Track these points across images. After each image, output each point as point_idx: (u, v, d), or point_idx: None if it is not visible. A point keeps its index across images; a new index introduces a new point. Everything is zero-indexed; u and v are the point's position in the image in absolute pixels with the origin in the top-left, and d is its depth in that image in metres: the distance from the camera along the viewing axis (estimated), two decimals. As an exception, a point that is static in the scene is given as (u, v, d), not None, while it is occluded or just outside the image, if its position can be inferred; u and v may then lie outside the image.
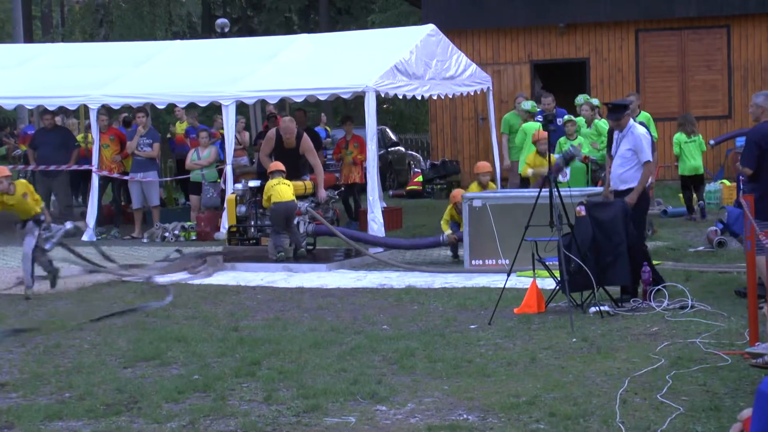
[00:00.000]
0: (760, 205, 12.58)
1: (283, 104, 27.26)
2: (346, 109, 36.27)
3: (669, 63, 31.21)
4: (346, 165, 24.20)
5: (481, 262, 17.01)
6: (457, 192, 18.81)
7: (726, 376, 10.02)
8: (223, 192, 22.62)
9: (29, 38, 49.63)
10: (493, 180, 20.22)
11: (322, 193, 18.89)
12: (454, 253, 18.19)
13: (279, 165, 18.47)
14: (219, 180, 23.12)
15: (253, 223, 18.55)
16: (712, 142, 25.53)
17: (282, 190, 18.09)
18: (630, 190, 14.28)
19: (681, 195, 24.20)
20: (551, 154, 14.42)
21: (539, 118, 20.95)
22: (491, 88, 27.14)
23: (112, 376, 10.77)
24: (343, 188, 23.59)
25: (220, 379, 10.43)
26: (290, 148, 19.16)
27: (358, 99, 22.70)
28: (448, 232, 18.20)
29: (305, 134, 19.75)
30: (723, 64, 30.89)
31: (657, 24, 31.30)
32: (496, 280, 14.82)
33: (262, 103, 25.14)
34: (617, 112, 14.43)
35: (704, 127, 29.60)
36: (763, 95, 13.55)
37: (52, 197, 24.70)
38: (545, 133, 18.20)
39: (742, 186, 14.87)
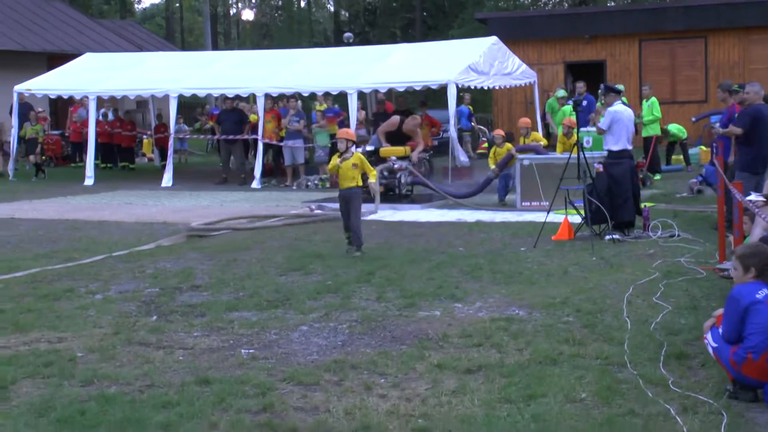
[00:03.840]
0: (746, 160, 12.41)
1: (390, 93, 27.17)
2: (433, 97, 35.99)
3: (663, 63, 30.74)
4: (422, 136, 24.10)
5: (528, 203, 16.90)
6: (498, 131, 18.93)
7: (702, 285, 9.90)
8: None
9: (215, 47, 49.94)
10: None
11: (415, 157, 18.76)
12: (500, 199, 18.03)
13: (349, 133, 13.17)
14: (328, 144, 23.09)
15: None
16: (693, 119, 25.10)
17: (346, 171, 12.67)
18: (609, 151, 15.14)
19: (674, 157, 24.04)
20: (578, 132, 14.30)
21: (570, 102, 20.74)
22: (536, 81, 26.95)
23: (271, 281, 10.85)
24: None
25: (346, 284, 10.47)
26: (406, 133, 19.20)
27: (443, 89, 22.56)
28: (493, 167, 18.15)
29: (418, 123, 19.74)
30: (701, 64, 30.37)
31: (655, 35, 30.79)
32: (539, 217, 14.70)
33: (375, 92, 25.11)
34: (606, 91, 15.28)
35: (688, 109, 29.23)
36: (757, 85, 13.27)
37: (231, 158, 24.92)
38: (571, 119, 18.34)
39: (715, 150, 14.60)
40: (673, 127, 23.43)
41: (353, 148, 12.94)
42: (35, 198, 20.85)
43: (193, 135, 34.86)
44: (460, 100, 26.60)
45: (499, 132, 18.80)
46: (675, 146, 23.80)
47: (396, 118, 19.20)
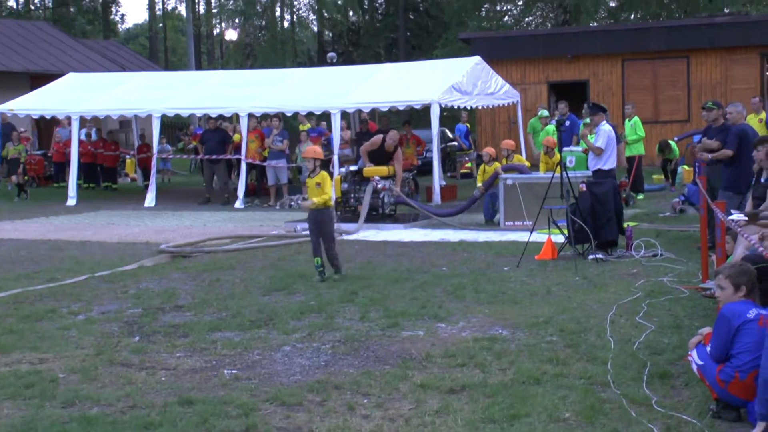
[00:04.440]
0: (730, 180, 12.45)
1: (373, 112, 27.23)
2: (417, 116, 36.10)
3: (645, 83, 30.88)
4: (408, 155, 24.12)
5: (512, 223, 16.93)
6: (488, 149, 18.87)
7: (685, 304, 9.92)
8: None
9: (199, 67, 49.95)
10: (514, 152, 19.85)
11: (398, 180, 18.69)
12: (486, 218, 18.07)
13: (317, 152, 12.40)
14: None
15: (352, 196, 18.51)
16: (676, 138, 25.23)
17: (312, 192, 12.18)
18: (598, 170, 15.19)
19: (655, 176, 24.11)
20: (561, 152, 14.38)
21: (554, 122, 20.85)
22: (519, 101, 27.05)
23: (255, 301, 10.84)
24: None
25: (329, 304, 10.46)
26: (388, 151, 19.10)
27: (426, 108, 22.65)
28: (479, 185, 18.20)
29: (399, 148, 19.56)
30: (684, 83, 30.52)
31: (637, 55, 30.95)
32: (523, 236, 14.73)
33: (359, 111, 25.15)
34: (594, 110, 15.25)
35: (670, 128, 29.43)
36: (739, 105, 13.38)
37: (215, 177, 24.89)
38: (551, 139, 18.54)
39: (698, 170, 14.70)
40: (672, 143, 23.57)
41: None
42: (17, 218, 20.78)
43: (177, 155, 34.84)
44: (457, 119, 26.65)
45: (489, 150, 18.78)
46: (670, 163, 23.83)
47: (379, 137, 19.22)
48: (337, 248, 12.52)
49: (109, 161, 29.14)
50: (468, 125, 30.35)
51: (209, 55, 70.71)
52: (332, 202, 12.13)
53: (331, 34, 65.39)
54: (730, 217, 9.05)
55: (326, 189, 12.16)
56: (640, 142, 21.45)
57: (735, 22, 30.80)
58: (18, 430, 6.47)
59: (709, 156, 13.15)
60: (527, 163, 18.98)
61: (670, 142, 23.63)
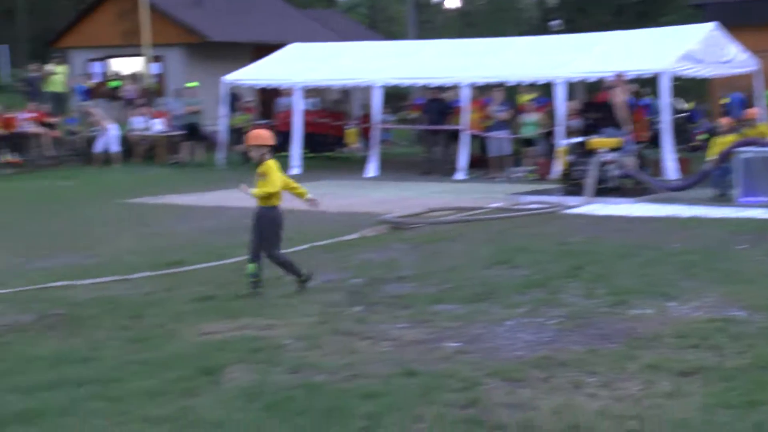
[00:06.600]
0: None
1: (601, 83, 26.72)
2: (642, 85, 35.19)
3: None
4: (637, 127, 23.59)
5: (749, 199, 16.31)
6: (724, 119, 18.22)
7: None
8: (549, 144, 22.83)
9: (419, 36, 50.33)
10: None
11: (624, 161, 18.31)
12: (718, 192, 17.42)
13: (261, 137, 10.52)
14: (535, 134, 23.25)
15: (578, 168, 18.28)
16: None
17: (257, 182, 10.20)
18: None
19: None
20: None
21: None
22: (760, 69, 25.91)
23: (477, 274, 10.89)
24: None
25: (553, 279, 10.39)
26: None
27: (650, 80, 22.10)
28: (711, 157, 17.56)
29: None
30: None
31: None
32: (761, 213, 14.18)
33: (583, 82, 24.70)
34: None
35: None
36: None
37: (437, 149, 25.08)
38: None
39: None
40: None
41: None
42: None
43: (397, 125, 35.30)
44: (732, 88, 25.66)
45: (725, 120, 18.14)
46: None
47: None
48: (282, 254, 10.59)
49: (334, 131, 29.89)
50: (744, 93, 28.67)
51: (429, 23, 71.17)
52: (278, 201, 10.17)
53: (554, 1, 64.53)
54: None
55: (269, 183, 10.03)
56: None
57: None
58: (247, 393, 6.75)
59: None
60: None
61: None
